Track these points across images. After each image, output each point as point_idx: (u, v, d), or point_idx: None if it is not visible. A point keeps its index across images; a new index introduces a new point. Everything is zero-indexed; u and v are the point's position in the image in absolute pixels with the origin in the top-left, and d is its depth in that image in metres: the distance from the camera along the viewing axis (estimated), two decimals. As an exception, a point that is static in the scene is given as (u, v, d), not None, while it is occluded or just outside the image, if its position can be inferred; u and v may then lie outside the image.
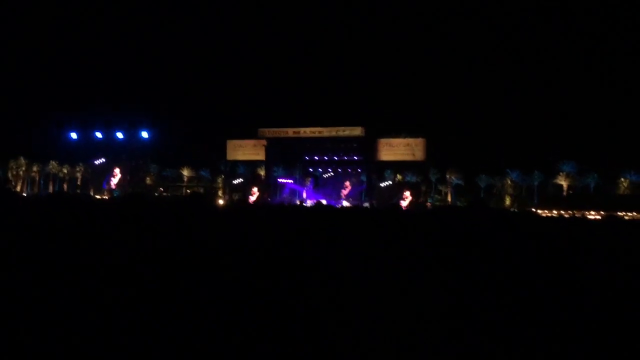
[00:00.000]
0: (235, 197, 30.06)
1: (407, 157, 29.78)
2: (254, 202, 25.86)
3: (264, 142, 31.36)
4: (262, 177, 33.34)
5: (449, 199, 35.71)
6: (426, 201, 29.60)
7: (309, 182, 34.04)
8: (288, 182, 32.92)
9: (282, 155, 32.47)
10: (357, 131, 29.82)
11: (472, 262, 2.39)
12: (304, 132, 30.73)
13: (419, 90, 51.79)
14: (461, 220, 4.37)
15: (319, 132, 30.44)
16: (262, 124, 32.02)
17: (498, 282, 2.09)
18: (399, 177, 34.09)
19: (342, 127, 30.11)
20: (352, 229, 3.67)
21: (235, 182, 33.28)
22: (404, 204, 27.11)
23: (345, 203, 29.48)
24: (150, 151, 31.28)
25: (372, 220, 4.45)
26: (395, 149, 30.06)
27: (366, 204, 24.32)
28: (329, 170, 33.55)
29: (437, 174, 35.76)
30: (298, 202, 27.24)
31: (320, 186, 33.41)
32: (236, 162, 34.16)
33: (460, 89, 50.98)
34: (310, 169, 33.99)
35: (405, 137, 29.92)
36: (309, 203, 27.65)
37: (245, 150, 32.78)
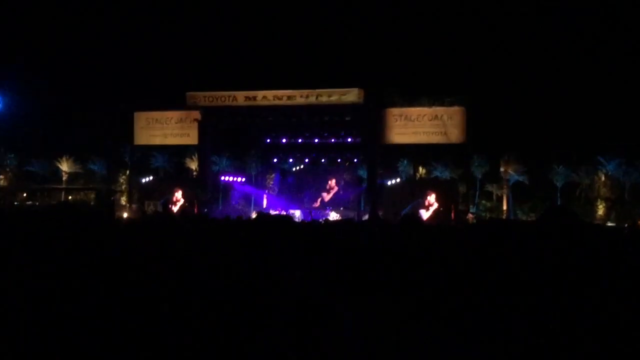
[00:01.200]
0: (150, 208, 29.68)
1: (436, 138, 29.09)
2: (178, 214, 24.51)
3: (196, 114, 30.70)
4: (193, 174, 32.67)
5: (505, 206, 32.61)
6: (467, 211, 28.75)
7: (272, 181, 34.50)
8: (237, 183, 32.96)
9: (227, 137, 32.36)
10: (351, 95, 28.95)
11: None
12: (263, 97, 30.08)
13: (453, 26, 45.74)
14: (539, 252, 3.74)
15: (288, 97, 29.72)
16: (192, 86, 31.52)
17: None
18: (421, 171, 32.19)
19: (327, 90, 29.27)
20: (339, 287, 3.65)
21: (146, 181, 32.62)
22: (426, 214, 27.44)
23: (332, 215, 29.96)
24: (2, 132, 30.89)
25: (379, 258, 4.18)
26: (415, 125, 29.27)
27: (366, 217, 25.03)
28: (305, 160, 34.36)
29: (485, 166, 32.49)
30: (254, 215, 26.11)
31: (290, 187, 34.42)
32: (150, 149, 33.10)
33: (525, 25, 45.28)
34: (275, 159, 34.54)
35: (432, 105, 28.91)
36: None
37: (166, 129, 32.17)
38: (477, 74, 36.75)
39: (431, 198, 28.26)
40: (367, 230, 7.36)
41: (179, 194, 30.40)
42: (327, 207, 31.89)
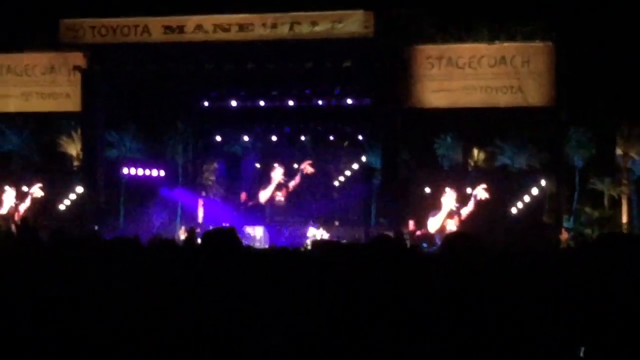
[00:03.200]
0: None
1: (502, 99, 29.50)
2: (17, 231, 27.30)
3: (79, 59, 30.97)
4: (72, 163, 33.07)
5: (625, 216, 33.35)
6: (559, 222, 29.48)
7: (212, 175, 35.27)
8: (152, 178, 33.55)
9: (134, 100, 33.01)
10: (352, 22, 29.15)
11: None
12: (197, 27, 30.26)
13: None
14: None
15: (241, 26, 30.01)
16: (70, 8, 31.45)
17: None
18: (476, 155, 32.68)
19: (310, 13, 29.71)
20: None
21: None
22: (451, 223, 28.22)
23: (319, 234, 30.35)
24: None
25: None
26: (465, 75, 29.66)
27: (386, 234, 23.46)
28: (272, 138, 35.55)
29: (589, 147, 32.85)
30: (182, 237, 29.44)
31: (245, 186, 34.64)
32: None
33: None
34: (217, 137, 35.51)
35: (494, 38, 29.37)
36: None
37: (26, 85, 32.59)
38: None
39: (479, 191, 28.50)
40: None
41: (27, 202, 30.19)
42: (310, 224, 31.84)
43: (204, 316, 5.22)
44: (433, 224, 27.74)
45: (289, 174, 33.12)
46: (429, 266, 6.73)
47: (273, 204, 33.14)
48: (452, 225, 27.87)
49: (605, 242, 6.32)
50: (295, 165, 33.33)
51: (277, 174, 32.99)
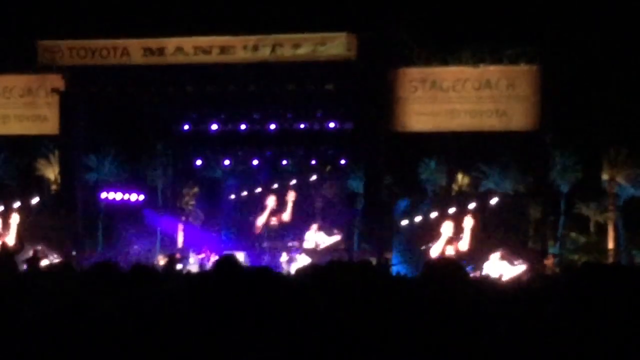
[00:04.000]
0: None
1: (487, 122, 29.57)
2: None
3: (57, 81, 30.87)
4: (49, 187, 33.24)
5: (610, 242, 33.60)
6: (544, 251, 29.28)
7: (192, 200, 35.65)
8: (131, 203, 33.83)
9: (113, 122, 32.84)
10: (336, 44, 29.37)
11: None
12: (177, 49, 30.37)
13: None
14: None
15: (222, 49, 30.20)
16: (49, 29, 31.87)
17: None
18: (460, 180, 33.07)
19: (292, 35, 29.86)
20: None
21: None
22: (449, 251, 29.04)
23: (300, 259, 30.73)
24: None
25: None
26: (449, 99, 29.74)
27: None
28: (253, 162, 35.49)
29: (575, 171, 33.48)
30: (161, 262, 28.91)
31: (227, 211, 36.02)
32: None
33: None
34: (198, 161, 35.67)
35: (479, 61, 29.32)
36: (193, 264, 31.11)
37: (4, 107, 32.52)
38: (558, 8, 36.35)
39: (467, 223, 28.80)
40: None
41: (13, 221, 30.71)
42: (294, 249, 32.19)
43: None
44: (434, 251, 28.19)
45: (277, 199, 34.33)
46: (410, 291, 6.49)
47: (268, 228, 34.30)
48: (450, 251, 28.42)
49: (589, 272, 6.17)
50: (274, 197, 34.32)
51: (271, 201, 34.04)
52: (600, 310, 4.98)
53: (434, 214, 30.04)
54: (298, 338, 4.94)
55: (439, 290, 5.75)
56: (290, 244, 33.05)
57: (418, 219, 30.29)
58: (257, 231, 35.08)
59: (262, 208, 35.25)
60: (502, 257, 28.21)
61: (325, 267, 8.81)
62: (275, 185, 35.14)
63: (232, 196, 35.98)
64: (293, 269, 27.91)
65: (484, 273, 27.76)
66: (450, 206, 30.27)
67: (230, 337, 4.94)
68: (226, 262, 6.33)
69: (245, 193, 35.58)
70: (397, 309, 5.47)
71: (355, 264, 8.03)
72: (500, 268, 27.62)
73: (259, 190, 35.16)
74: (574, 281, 6.40)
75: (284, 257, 31.09)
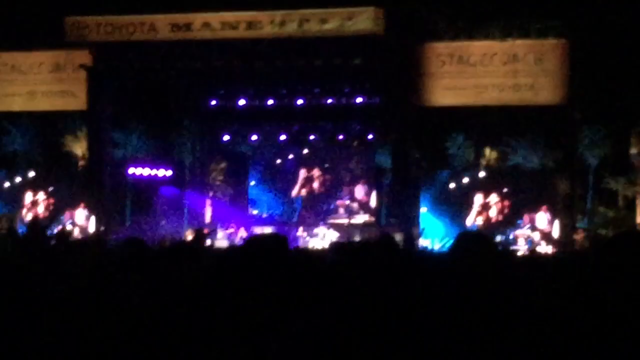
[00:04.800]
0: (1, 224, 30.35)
1: (514, 97, 29.59)
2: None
3: (85, 57, 30.86)
4: (77, 163, 32.85)
5: (639, 215, 33.08)
6: (573, 225, 29.49)
7: (220, 175, 35.52)
8: (158, 178, 33.69)
9: (140, 98, 32.98)
10: (362, 20, 29.09)
11: None
12: (204, 25, 30.14)
13: None
14: None
15: (249, 24, 29.88)
16: (76, 5, 31.07)
17: None
18: (488, 154, 32.49)
19: (319, 10, 29.46)
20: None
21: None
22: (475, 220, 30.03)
23: (328, 234, 30.86)
24: None
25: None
26: (476, 73, 29.69)
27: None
28: (281, 137, 35.39)
29: (603, 146, 32.71)
30: (190, 237, 28.90)
31: (256, 186, 36.21)
32: (2, 118, 33.58)
33: None
34: (225, 136, 35.53)
35: (507, 35, 29.14)
36: (221, 238, 30.79)
37: (31, 84, 32.56)
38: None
39: (491, 199, 29.25)
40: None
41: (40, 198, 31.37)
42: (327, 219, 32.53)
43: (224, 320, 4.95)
44: (468, 221, 29.20)
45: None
46: (437, 266, 6.42)
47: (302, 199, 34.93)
48: (480, 222, 29.24)
49: (621, 240, 6.06)
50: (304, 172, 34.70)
51: (301, 174, 35.16)
52: (634, 279, 4.80)
53: (464, 186, 30.72)
54: (329, 318, 4.88)
55: (467, 265, 5.65)
56: (316, 218, 33.20)
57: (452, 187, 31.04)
58: (293, 199, 35.44)
59: (292, 181, 35.51)
60: (547, 210, 29.40)
61: (359, 245, 9.00)
62: (303, 159, 35.25)
63: (260, 171, 36.16)
64: (321, 244, 28.46)
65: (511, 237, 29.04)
66: (479, 180, 30.82)
67: (262, 315, 4.89)
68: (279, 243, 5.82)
69: (273, 168, 35.62)
70: (422, 286, 5.40)
71: (378, 240, 8.05)
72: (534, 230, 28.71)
73: (287, 164, 35.32)
74: (606, 249, 6.79)
75: (312, 231, 31.09)
